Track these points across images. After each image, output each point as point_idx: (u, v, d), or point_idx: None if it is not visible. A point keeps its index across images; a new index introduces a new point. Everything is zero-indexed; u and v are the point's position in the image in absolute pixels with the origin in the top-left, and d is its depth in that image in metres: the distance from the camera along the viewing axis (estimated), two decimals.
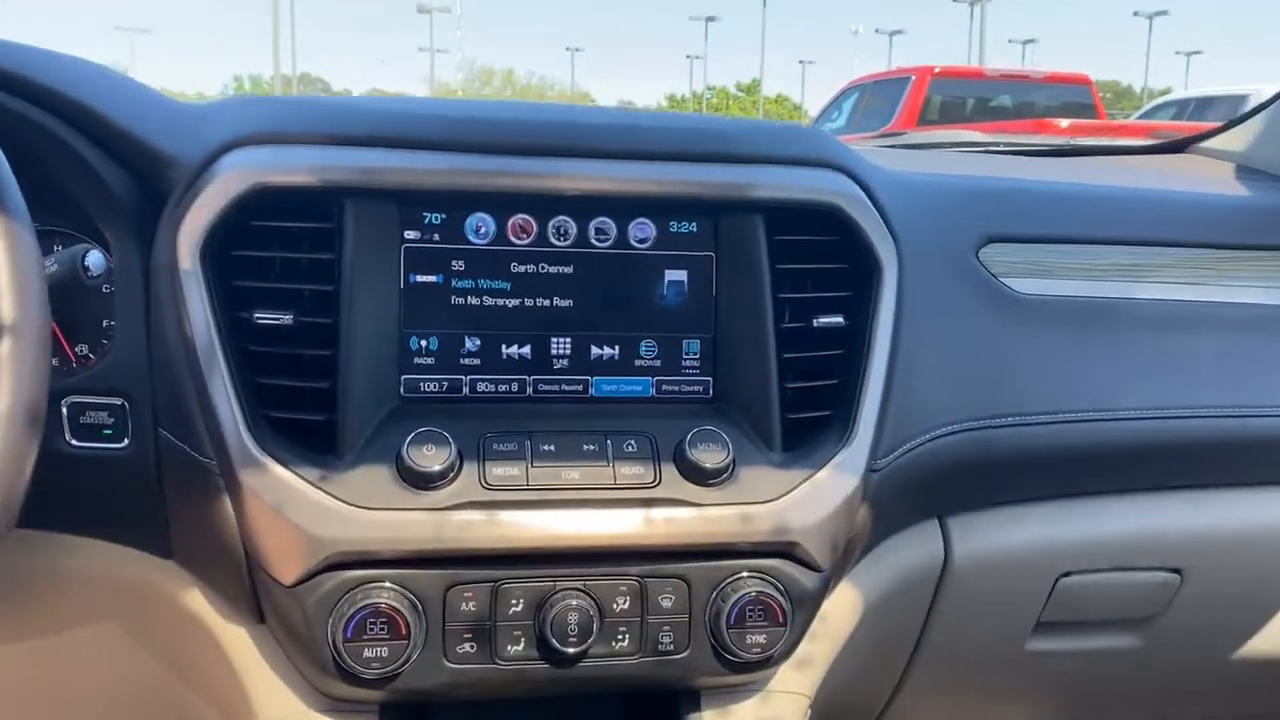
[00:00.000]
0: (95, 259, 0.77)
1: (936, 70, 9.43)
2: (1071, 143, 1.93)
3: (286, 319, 0.78)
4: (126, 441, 0.78)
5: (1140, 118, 10.52)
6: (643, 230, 0.84)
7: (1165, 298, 1.00)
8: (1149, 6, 49.19)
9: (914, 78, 9.36)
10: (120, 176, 0.81)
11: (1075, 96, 9.73)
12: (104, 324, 0.80)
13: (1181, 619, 1.04)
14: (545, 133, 0.83)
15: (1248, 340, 0.99)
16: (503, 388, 0.83)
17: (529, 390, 0.83)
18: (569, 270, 0.83)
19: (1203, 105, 9.09)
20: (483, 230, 0.83)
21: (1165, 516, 1.00)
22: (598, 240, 0.84)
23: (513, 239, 0.83)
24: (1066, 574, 0.99)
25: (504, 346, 0.83)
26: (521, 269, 0.83)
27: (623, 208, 0.84)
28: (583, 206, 0.83)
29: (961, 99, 9.50)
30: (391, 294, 0.81)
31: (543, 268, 0.83)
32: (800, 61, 63.65)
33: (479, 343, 0.83)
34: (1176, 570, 1.01)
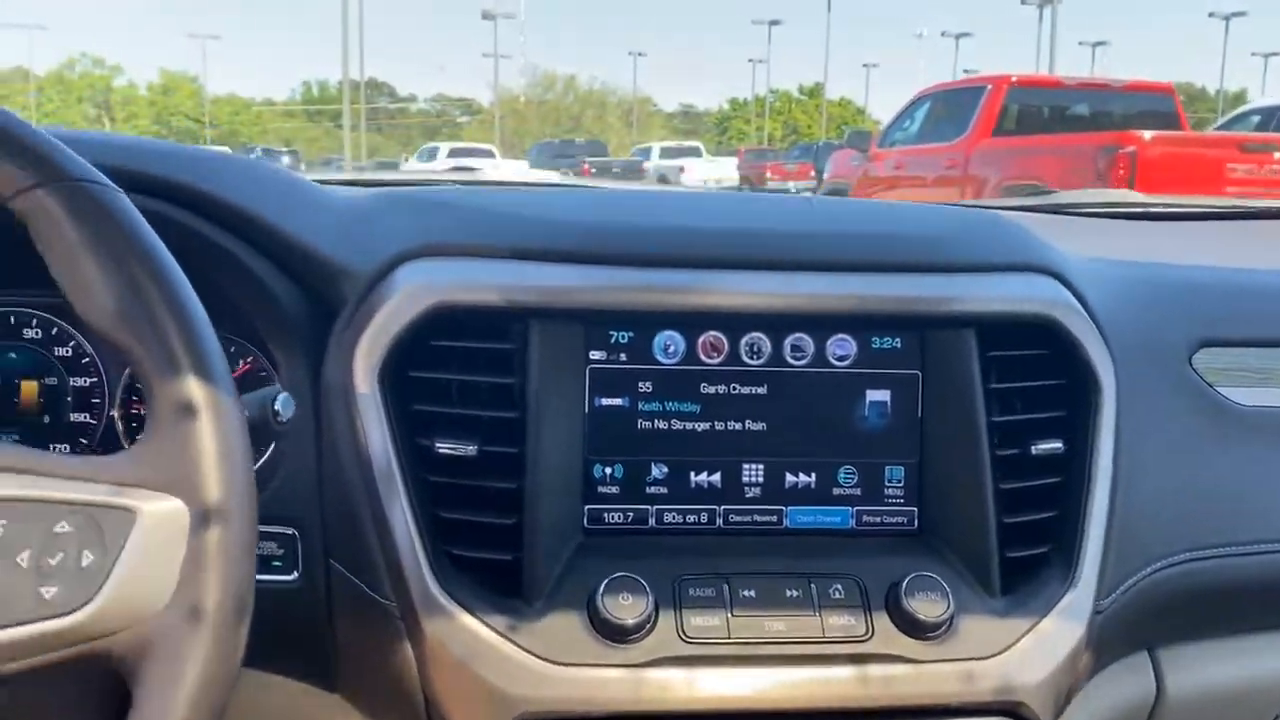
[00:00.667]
0: (285, 402, 0.73)
1: (1013, 79, 9.26)
2: (1224, 206, 1.80)
3: (470, 450, 0.74)
4: (296, 574, 0.74)
5: (1220, 127, 10.23)
6: (842, 347, 0.79)
7: None
8: (1225, 7, 48.04)
9: (990, 87, 9.19)
10: (289, 289, 0.78)
11: (1157, 105, 9.47)
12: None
13: None
14: (739, 244, 0.78)
15: None
16: (691, 518, 0.78)
17: (719, 521, 0.78)
18: (762, 390, 0.78)
19: None
20: (672, 349, 0.78)
21: None
22: (793, 358, 0.79)
23: (703, 358, 0.78)
24: None
25: (693, 474, 0.78)
26: (712, 390, 0.78)
27: (821, 323, 0.78)
28: (778, 322, 0.78)
29: (1038, 108, 9.31)
30: (576, 419, 0.76)
31: (734, 388, 0.78)
32: (864, 65, 63.11)
33: (666, 470, 0.78)
34: None
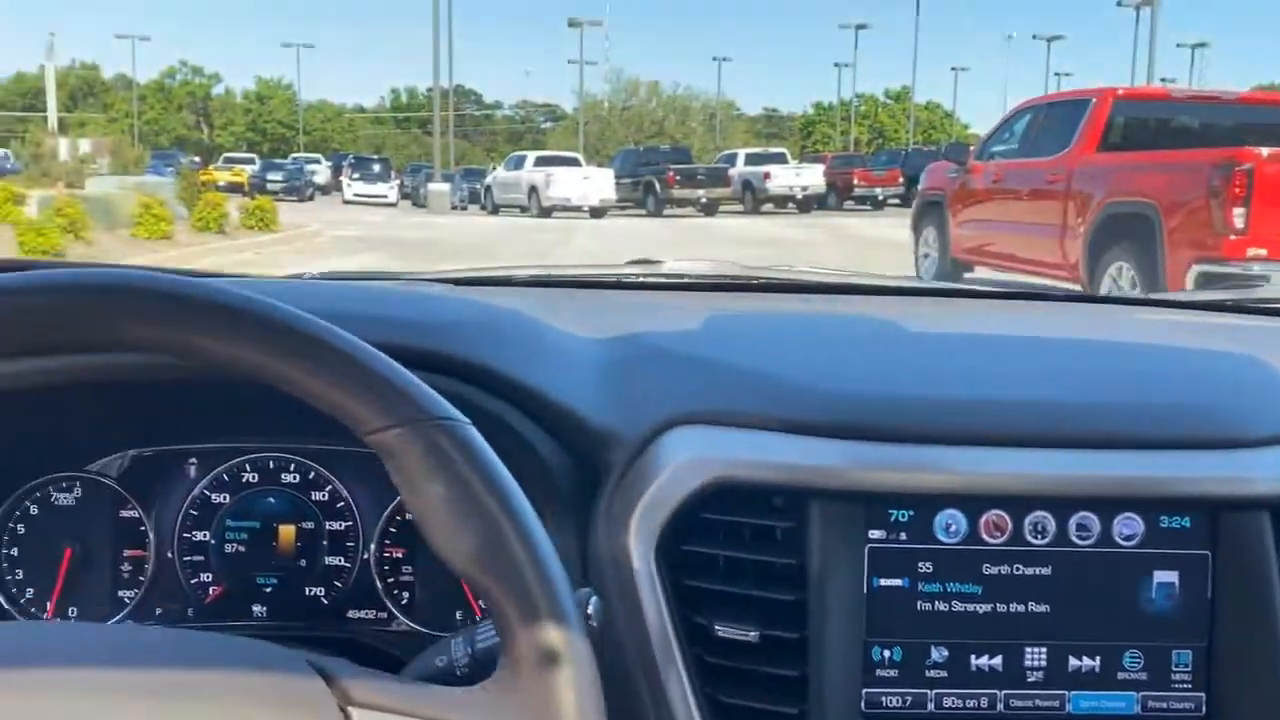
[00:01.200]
0: (596, 607, 0.72)
1: (1119, 92, 9.02)
2: None
3: (752, 635, 0.73)
4: None
5: None
6: (1129, 527, 0.77)
7: None
8: None
9: (1094, 100, 8.96)
10: (557, 455, 0.79)
11: (1272, 118, 9.13)
12: None
13: None
14: (1022, 420, 0.78)
15: None
16: (971, 704, 0.76)
17: (1000, 706, 0.77)
18: (1046, 571, 0.76)
19: None
20: (953, 528, 0.76)
21: None
22: (1078, 538, 0.76)
23: (985, 537, 0.76)
24: None
25: (973, 657, 0.76)
26: (994, 570, 0.76)
27: (1107, 502, 0.77)
28: (1063, 501, 0.77)
29: (1145, 122, 9.03)
30: (855, 600, 0.75)
31: (1017, 569, 0.76)
32: (953, 68, 62.15)
33: (946, 653, 0.76)
34: None
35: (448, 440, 0.54)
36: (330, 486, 0.91)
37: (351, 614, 0.93)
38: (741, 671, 0.73)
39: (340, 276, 1.25)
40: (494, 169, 29.96)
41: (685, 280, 1.32)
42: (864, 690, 0.75)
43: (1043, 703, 0.77)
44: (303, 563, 0.92)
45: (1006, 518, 0.76)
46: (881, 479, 0.74)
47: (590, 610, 0.66)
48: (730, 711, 0.73)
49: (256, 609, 0.92)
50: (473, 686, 0.55)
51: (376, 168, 33.36)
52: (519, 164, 26.40)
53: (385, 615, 0.93)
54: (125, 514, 0.91)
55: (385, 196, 31.42)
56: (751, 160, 28.06)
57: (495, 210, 26.03)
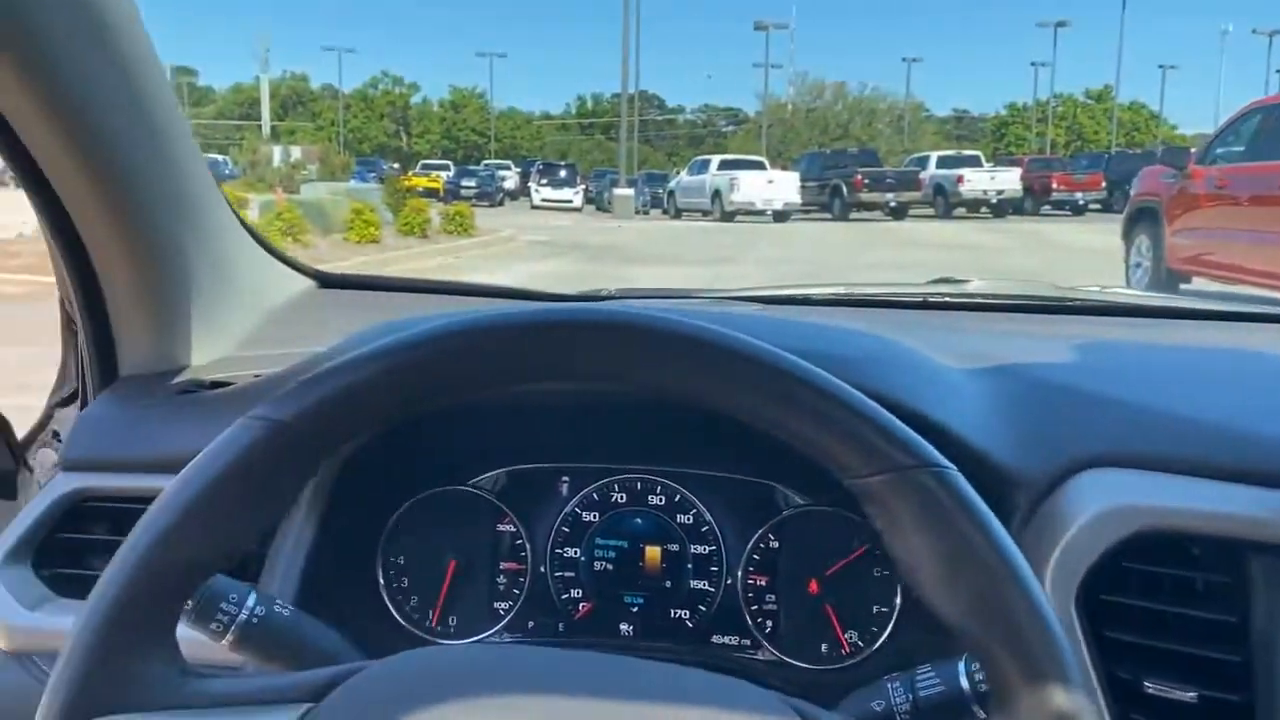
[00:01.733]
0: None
1: None
2: None
3: (1189, 695, 0.68)
4: None
5: None
6: None
7: None
8: None
9: None
10: None
11: None
12: None
13: None
14: None
15: None
16: None
17: None
18: None
19: None
20: None
21: None
22: None
23: None
24: None
25: None
26: None
27: None
28: None
29: None
30: None
31: None
32: (1160, 66, 58.67)
33: None
34: None
35: (940, 488, 0.52)
36: (695, 510, 0.92)
37: (715, 639, 0.93)
38: None
39: (639, 295, 1.26)
40: (677, 173, 30.18)
41: (994, 301, 1.26)
42: None
43: None
44: (668, 584, 0.93)
45: None
46: None
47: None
48: None
49: (624, 627, 0.94)
50: None
51: (563, 173, 34.11)
52: (703, 168, 26.48)
53: (749, 642, 0.93)
54: (502, 528, 0.95)
55: (571, 201, 32.08)
56: (944, 163, 27.31)
57: (678, 214, 26.19)
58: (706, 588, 0.92)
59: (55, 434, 1.17)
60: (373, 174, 28.45)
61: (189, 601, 0.63)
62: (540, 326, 0.55)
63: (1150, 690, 0.68)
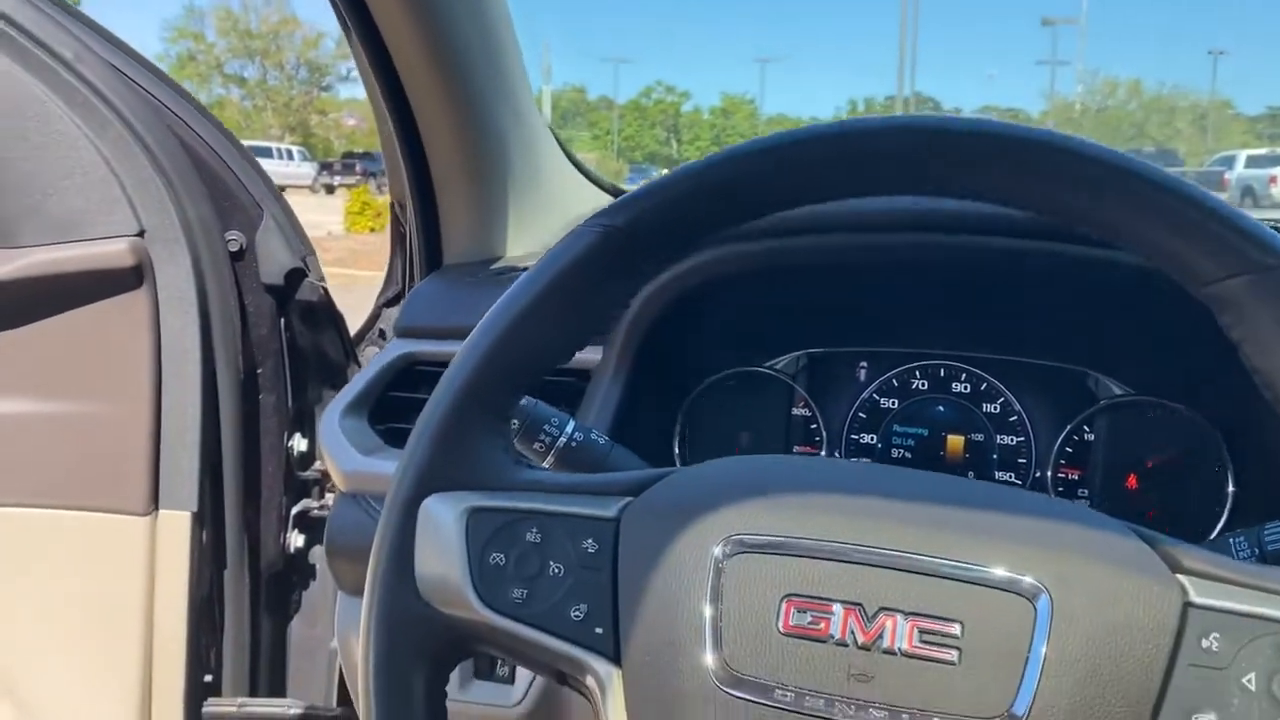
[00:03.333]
0: None
1: None
2: None
3: None
4: None
5: None
6: None
7: None
8: None
9: None
10: None
11: None
12: None
13: None
14: None
15: None
16: None
17: None
18: None
19: None
20: None
21: None
22: None
23: None
24: None
25: None
26: None
27: None
28: None
29: None
30: None
31: None
32: None
33: None
34: None
35: None
36: (1003, 399, 0.89)
37: None
38: None
39: None
40: None
41: None
42: None
43: None
44: (971, 475, 0.89)
45: None
46: None
47: None
48: None
49: None
50: None
51: None
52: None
53: None
54: (798, 411, 0.95)
55: None
56: (1254, 163, 25.08)
57: None
58: (1013, 480, 0.88)
59: (381, 332, 1.28)
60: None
61: (515, 422, 0.67)
62: (888, 131, 0.54)
63: None
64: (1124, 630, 0.48)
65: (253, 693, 1.22)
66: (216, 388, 1.11)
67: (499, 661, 0.87)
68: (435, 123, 1.05)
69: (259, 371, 1.18)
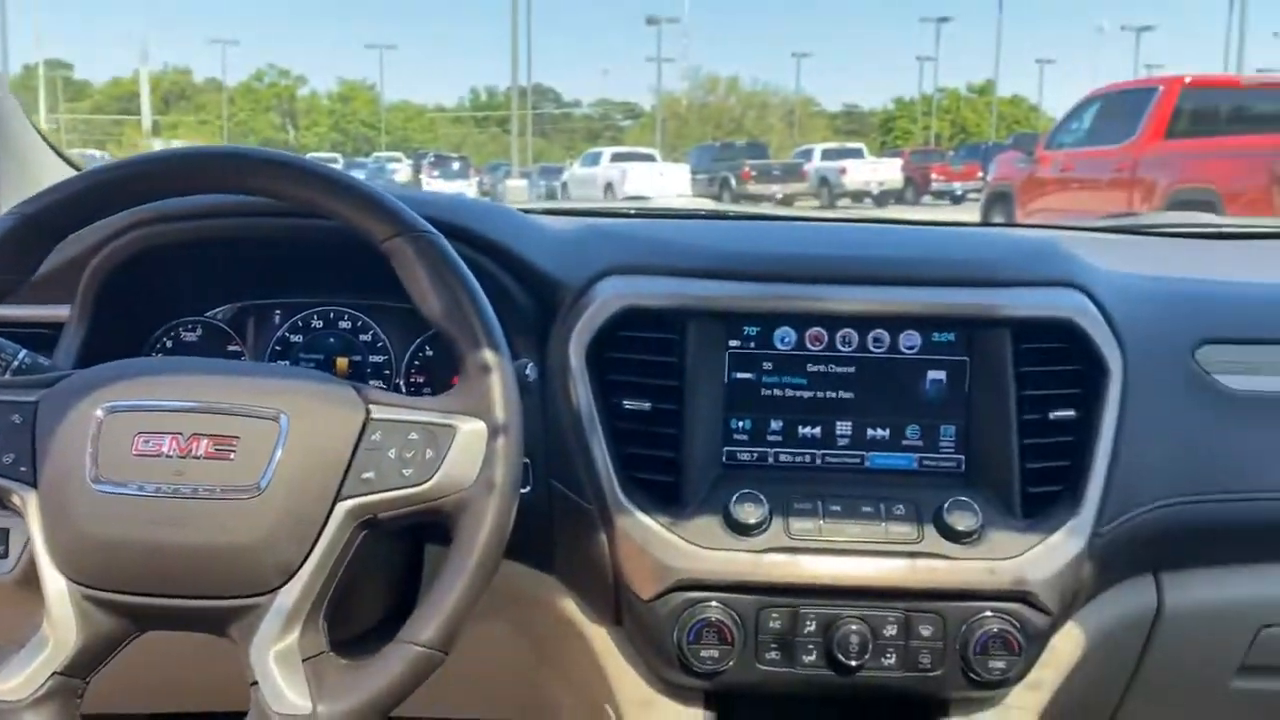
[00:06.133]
0: (532, 370, 1.06)
1: (1186, 80, 9.01)
2: None
3: (645, 406, 1.05)
4: (529, 488, 1.05)
5: None
6: (910, 340, 1.07)
7: None
8: None
9: (1161, 89, 8.99)
10: (524, 297, 1.11)
11: None
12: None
13: None
14: (836, 266, 1.07)
15: None
16: (799, 459, 1.07)
17: (818, 461, 1.08)
18: (851, 370, 1.07)
19: None
20: (786, 339, 1.07)
21: None
22: (874, 347, 1.07)
23: (809, 346, 1.07)
24: (1270, 625, 1.15)
25: (800, 427, 1.07)
26: (815, 369, 1.07)
27: (895, 323, 1.06)
28: (863, 322, 1.06)
29: (1214, 110, 9.00)
30: (718, 387, 1.07)
31: (831, 368, 1.07)
32: (1037, 61, 61.06)
33: (781, 424, 1.07)
34: None
35: (429, 247, 0.88)
36: (372, 331, 1.23)
37: None
38: (640, 432, 1.05)
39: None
40: (571, 165, 30.43)
41: (668, 211, 1.67)
42: (724, 448, 1.07)
43: (848, 459, 1.07)
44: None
45: (824, 332, 1.07)
46: (737, 305, 1.05)
47: (528, 373, 1.05)
48: (632, 458, 1.04)
49: None
50: (440, 395, 0.91)
51: (455, 165, 33.95)
52: (595, 160, 26.81)
53: None
54: (232, 348, 1.24)
55: (463, 194, 32.05)
56: (828, 155, 27.99)
57: None
58: (381, 387, 1.21)
59: None
60: None
61: None
62: (211, 153, 0.91)
63: (627, 407, 1.05)
64: (331, 431, 0.84)
65: None
66: None
67: None
68: None
69: None
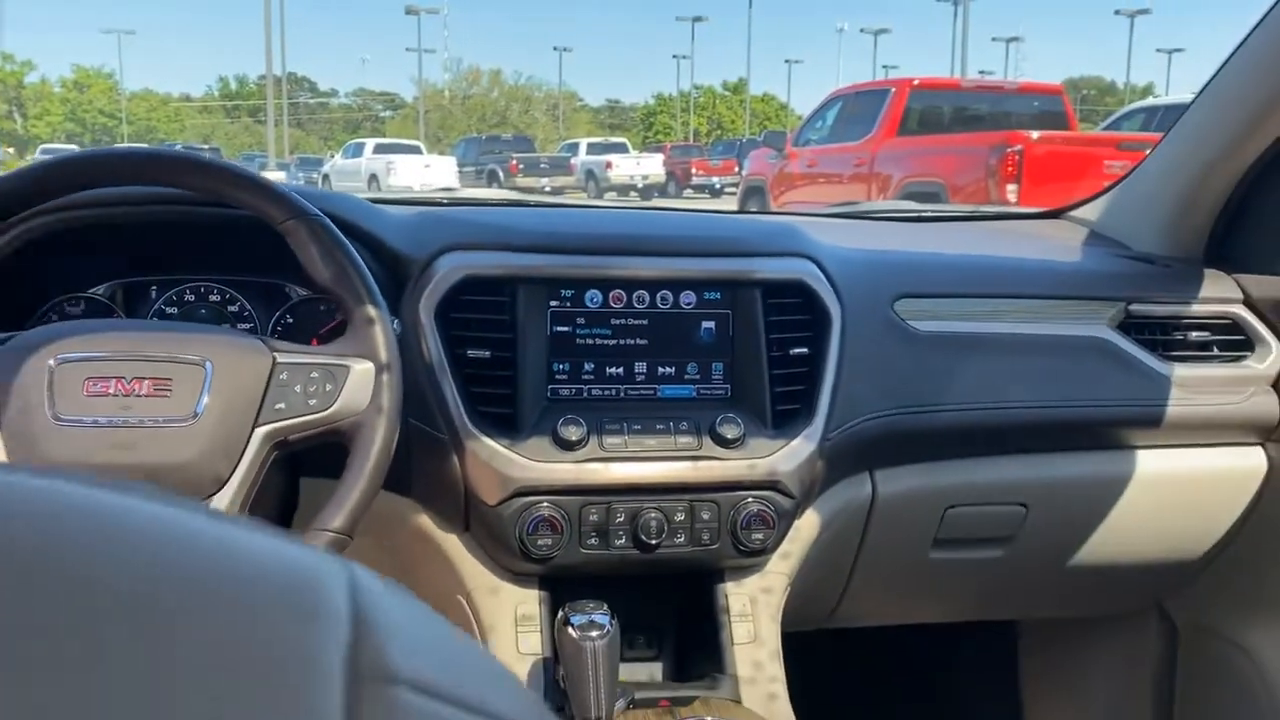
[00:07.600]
0: (398, 325, 1.29)
1: (915, 83, 9.77)
2: (978, 210, 2.46)
3: (485, 354, 1.29)
4: None
5: (1109, 125, 10.91)
6: (688, 298, 1.35)
7: (1015, 331, 1.53)
8: (1131, 4, 49.41)
9: (893, 90, 9.73)
10: (379, 269, 1.34)
11: (1048, 105, 10.12)
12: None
13: (1029, 538, 1.59)
14: (631, 243, 1.35)
15: (1063, 358, 1.56)
16: (607, 392, 1.34)
17: (622, 394, 1.34)
18: (645, 323, 1.34)
19: (1171, 112, 9.53)
20: (594, 299, 1.33)
21: (1017, 469, 1.54)
22: (661, 304, 1.35)
23: (612, 304, 1.34)
24: (952, 506, 1.55)
25: (607, 368, 1.34)
26: (617, 322, 1.34)
27: (676, 285, 1.35)
28: (653, 285, 1.34)
29: (939, 109, 9.83)
30: (542, 338, 1.31)
31: (629, 321, 1.34)
32: (786, 61, 64.17)
33: (592, 366, 1.33)
34: (1023, 504, 1.57)
35: (319, 228, 1.10)
36: (240, 303, 1.41)
37: None
38: (482, 375, 1.29)
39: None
40: (332, 157, 29.63)
41: (481, 201, 1.93)
42: (549, 386, 1.33)
43: (645, 391, 1.35)
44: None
45: (623, 293, 1.34)
46: (555, 273, 1.32)
47: (395, 326, 1.23)
48: (477, 395, 1.28)
49: None
50: (334, 342, 1.12)
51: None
52: (358, 152, 26.14)
53: None
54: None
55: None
56: (593, 150, 28.52)
57: None
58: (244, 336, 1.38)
59: None
60: None
61: None
62: (137, 153, 1.09)
63: (470, 355, 1.29)
64: (246, 372, 1.03)
65: None
66: None
67: None
68: None
69: None
